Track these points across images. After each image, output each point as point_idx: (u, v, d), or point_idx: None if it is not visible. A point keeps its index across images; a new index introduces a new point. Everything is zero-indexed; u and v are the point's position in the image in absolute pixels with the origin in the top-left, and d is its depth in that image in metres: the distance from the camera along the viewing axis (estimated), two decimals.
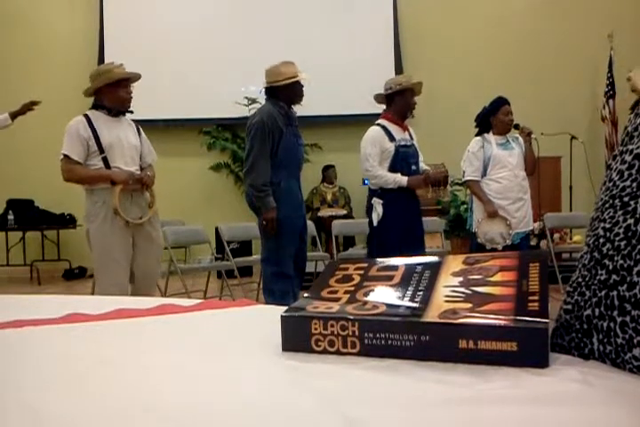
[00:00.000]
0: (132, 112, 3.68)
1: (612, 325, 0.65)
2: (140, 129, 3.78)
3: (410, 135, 4.19)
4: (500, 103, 4.42)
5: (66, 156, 3.51)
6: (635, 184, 0.68)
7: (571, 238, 6.58)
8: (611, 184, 0.72)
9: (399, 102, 4.09)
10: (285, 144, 3.78)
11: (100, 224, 3.52)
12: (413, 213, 4.15)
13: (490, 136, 4.44)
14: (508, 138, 4.48)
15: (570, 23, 8.53)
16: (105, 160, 3.51)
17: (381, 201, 4.14)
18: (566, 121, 7.81)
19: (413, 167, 4.06)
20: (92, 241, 3.57)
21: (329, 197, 8.02)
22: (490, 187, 4.37)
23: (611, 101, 7.98)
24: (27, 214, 7.78)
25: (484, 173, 4.40)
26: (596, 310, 0.68)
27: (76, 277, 7.79)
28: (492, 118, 4.41)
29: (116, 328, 0.97)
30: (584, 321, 0.69)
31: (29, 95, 8.36)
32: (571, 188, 7.43)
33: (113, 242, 3.52)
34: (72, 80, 8.46)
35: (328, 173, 8.05)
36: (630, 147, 0.71)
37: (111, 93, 3.55)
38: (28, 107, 4.94)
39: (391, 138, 4.04)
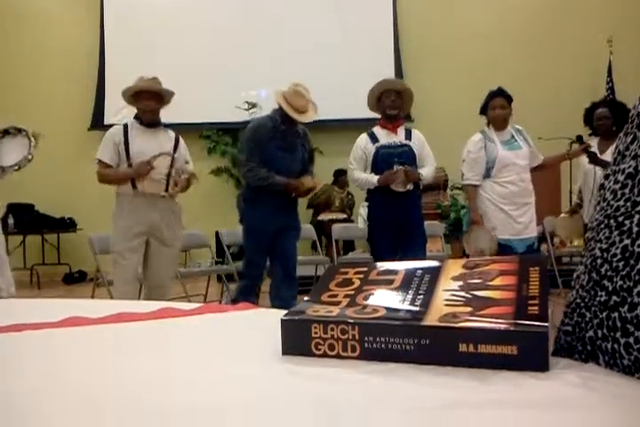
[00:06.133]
0: (159, 124, 3.88)
1: (616, 346, 0.65)
2: (180, 141, 3.94)
3: (408, 137, 4.15)
4: (488, 98, 4.19)
5: (99, 160, 3.76)
6: (629, 204, 0.68)
7: (571, 242, 6.57)
8: (605, 204, 0.72)
9: (380, 106, 4.16)
10: (266, 156, 4.01)
11: (116, 226, 3.75)
12: (401, 214, 4.04)
13: (491, 132, 4.14)
14: (512, 132, 4.17)
15: (569, 28, 8.55)
16: (130, 167, 3.74)
17: (367, 203, 4.21)
18: (566, 125, 7.80)
19: (396, 166, 3.98)
20: (110, 244, 3.81)
21: (337, 202, 8.03)
22: (495, 191, 4.06)
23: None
24: (27, 218, 7.78)
25: (488, 175, 4.08)
26: (599, 332, 0.67)
27: (76, 281, 7.79)
28: (487, 115, 4.17)
29: (116, 332, 0.97)
30: (587, 343, 0.69)
31: (31, 103, 8.44)
32: (570, 192, 7.43)
33: (126, 248, 3.71)
34: (73, 89, 8.51)
35: (341, 178, 8.02)
36: (622, 166, 0.71)
37: (135, 105, 3.81)
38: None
39: (374, 141, 4.11)
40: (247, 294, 4.06)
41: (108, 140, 3.76)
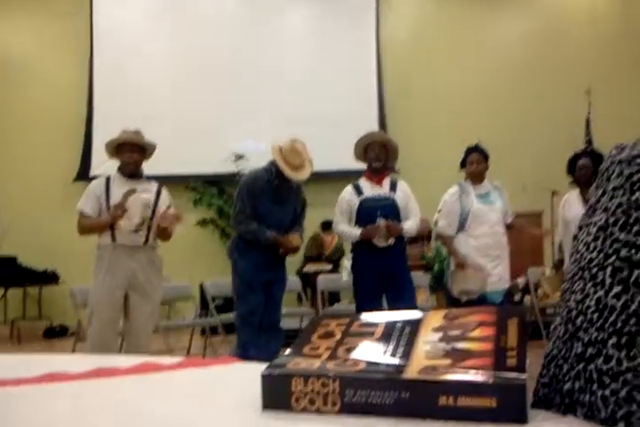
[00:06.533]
0: (141, 176, 3.94)
1: (593, 398, 0.65)
2: (163, 191, 3.99)
3: (393, 189, 4.20)
4: (467, 152, 4.36)
5: (80, 211, 3.83)
6: (601, 255, 0.70)
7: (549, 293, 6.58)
8: (579, 256, 0.74)
9: (366, 158, 4.25)
10: (260, 209, 4.07)
11: (95, 279, 3.76)
12: (385, 267, 4.05)
13: (468, 186, 4.30)
14: (489, 188, 4.34)
15: (549, 79, 8.81)
16: None
17: (351, 255, 4.24)
18: (547, 176, 7.95)
19: (379, 220, 4.02)
20: (89, 296, 3.82)
21: (328, 252, 8.03)
22: (469, 244, 4.19)
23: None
24: (9, 271, 7.68)
25: (462, 227, 4.23)
26: (576, 384, 0.68)
27: (57, 335, 7.64)
28: (465, 169, 4.36)
29: (96, 388, 0.96)
30: (565, 395, 0.70)
31: (16, 153, 8.47)
32: (553, 243, 7.48)
33: (103, 301, 3.72)
34: (59, 140, 8.56)
35: (326, 231, 8.04)
36: (594, 219, 0.73)
37: (118, 157, 3.90)
38: None
39: (359, 193, 4.17)
40: (253, 346, 3.97)
41: (90, 192, 3.83)
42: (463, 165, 4.36)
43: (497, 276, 4.19)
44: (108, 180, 3.85)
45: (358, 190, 4.20)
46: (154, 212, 3.82)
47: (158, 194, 3.93)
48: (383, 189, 4.19)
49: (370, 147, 4.21)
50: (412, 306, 4.09)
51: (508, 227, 4.42)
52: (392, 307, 4.02)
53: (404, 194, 4.23)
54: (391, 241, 4.05)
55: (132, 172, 3.87)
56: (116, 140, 3.84)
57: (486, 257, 4.18)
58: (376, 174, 4.22)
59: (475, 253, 4.17)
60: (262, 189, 4.06)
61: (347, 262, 4.23)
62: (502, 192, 4.39)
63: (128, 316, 3.82)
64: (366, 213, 4.09)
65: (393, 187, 4.23)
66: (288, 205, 4.20)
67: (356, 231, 4.08)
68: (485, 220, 4.20)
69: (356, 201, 4.16)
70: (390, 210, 4.11)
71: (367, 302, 4.04)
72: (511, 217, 4.46)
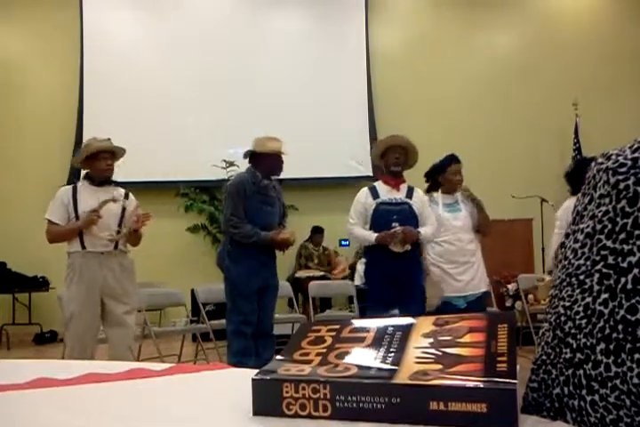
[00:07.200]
0: (112, 182, 3.95)
1: (582, 404, 0.66)
2: (130, 197, 4.01)
3: (409, 195, 4.14)
4: (449, 161, 4.30)
5: (48, 220, 3.82)
6: (589, 262, 0.71)
7: (545, 299, 6.61)
8: (566, 262, 0.75)
9: (384, 162, 4.22)
10: (249, 210, 4.08)
11: (68, 288, 3.75)
12: (398, 272, 4.00)
13: (438, 196, 4.31)
14: (457, 198, 4.33)
15: (539, 88, 8.92)
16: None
17: (364, 260, 4.17)
18: (536, 184, 8.01)
19: (394, 224, 3.97)
20: (63, 304, 3.81)
21: (315, 260, 8.04)
22: (433, 250, 4.22)
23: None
24: None
25: None
26: (565, 389, 0.68)
27: (47, 341, 7.59)
28: (441, 177, 4.29)
29: (85, 394, 0.96)
30: (554, 400, 0.70)
31: (6, 159, 8.43)
32: (543, 249, 7.53)
33: (78, 306, 3.70)
34: (48, 144, 8.53)
35: (316, 237, 8.06)
36: (581, 226, 0.74)
37: (92, 165, 3.89)
38: None
39: (375, 196, 4.11)
40: (246, 355, 3.95)
41: (58, 200, 3.84)
42: (440, 171, 4.29)
43: (463, 282, 4.17)
44: (75, 188, 3.86)
45: (374, 193, 4.13)
46: (122, 217, 3.85)
47: (126, 198, 3.96)
48: (400, 194, 4.13)
49: (391, 150, 4.15)
50: (422, 313, 4.06)
51: (481, 232, 4.38)
52: (402, 313, 3.98)
53: (420, 201, 4.17)
54: (408, 247, 4.00)
55: (107, 178, 3.90)
56: (93, 148, 3.84)
57: (451, 263, 4.17)
58: (394, 178, 4.18)
59: (438, 260, 4.20)
60: (251, 191, 4.08)
61: (359, 266, 4.17)
62: (467, 203, 4.33)
63: (106, 321, 3.80)
64: (381, 216, 4.04)
65: (409, 192, 4.16)
66: (275, 206, 4.23)
67: (372, 236, 4.01)
68: (448, 227, 4.20)
69: (372, 204, 4.09)
70: (407, 215, 4.05)
71: (377, 307, 3.96)
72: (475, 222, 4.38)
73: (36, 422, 0.80)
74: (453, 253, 4.18)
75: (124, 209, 3.87)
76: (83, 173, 4.28)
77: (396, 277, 3.99)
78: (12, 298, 7.93)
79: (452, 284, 4.15)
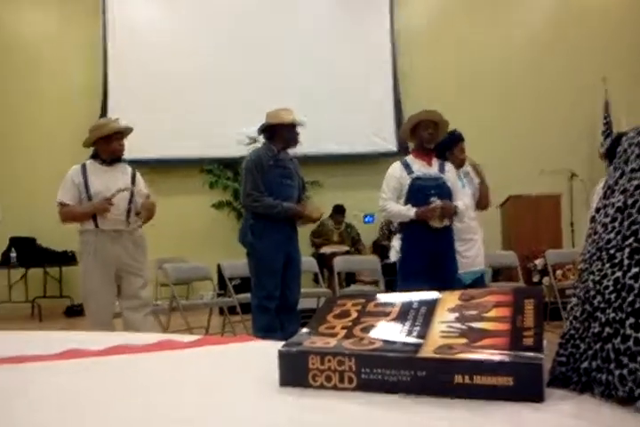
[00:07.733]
0: (121, 160, 4.01)
1: (610, 378, 0.65)
2: (137, 175, 4.06)
3: (442, 170, 4.08)
4: (457, 139, 4.32)
5: (60, 202, 3.87)
6: (619, 237, 0.69)
7: (574, 275, 6.55)
8: (596, 237, 0.74)
9: (416, 136, 4.13)
10: (269, 184, 4.09)
11: (84, 264, 3.88)
12: (435, 248, 3.97)
13: None
14: (461, 175, 4.33)
15: (568, 64, 8.72)
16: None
17: (400, 235, 4.13)
18: (566, 159, 7.89)
19: (432, 199, 3.91)
20: (79, 281, 3.93)
21: (335, 238, 8.05)
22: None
23: (608, 140, 8.09)
24: (29, 252, 7.79)
25: None
26: (594, 363, 0.68)
27: (77, 313, 7.72)
28: (448, 153, 4.27)
29: (115, 365, 0.98)
30: (582, 374, 0.70)
31: (35, 139, 8.52)
32: (572, 224, 7.45)
33: (95, 282, 3.81)
34: (77, 124, 8.57)
35: (337, 217, 8.05)
36: (612, 200, 0.73)
37: (105, 146, 3.91)
38: None
39: (409, 171, 4.03)
40: (270, 331, 3.95)
41: (68, 181, 3.87)
42: (449, 148, 4.28)
43: (470, 258, 4.21)
44: (84, 167, 3.90)
45: (408, 168, 4.04)
46: (132, 194, 3.91)
47: (133, 177, 4.00)
48: (433, 169, 4.05)
49: (423, 125, 4.05)
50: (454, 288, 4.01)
51: (482, 208, 4.48)
52: (435, 288, 3.94)
53: (452, 175, 4.11)
54: (447, 222, 3.96)
55: (119, 158, 3.96)
56: (109, 128, 3.89)
57: (460, 240, 4.16)
58: (427, 153, 4.10)
59: None
60: (268, 165, 4.09)
61: (395, 242, 4.13)
62: (470, 177, 4.40)
63: (123, 295, 3.90)
64: (419, 191, 3.96)
65: (442, 167, 4.09)
66: (295, 179, 4.23)
67: (411, 211, 3.93)
68: None
69: (407, 179, 4.00)
70: (443, 190, 3.99)
71: (412, 282, 3.92)
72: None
73: (67, 392, 0.82)
74: (461, 231, 4.17)
75: (132, 192, 3.94)
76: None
77: (433, 252, 3.95)
78: (43, 272, 8.10)
79: (461, 261, 4.14)
